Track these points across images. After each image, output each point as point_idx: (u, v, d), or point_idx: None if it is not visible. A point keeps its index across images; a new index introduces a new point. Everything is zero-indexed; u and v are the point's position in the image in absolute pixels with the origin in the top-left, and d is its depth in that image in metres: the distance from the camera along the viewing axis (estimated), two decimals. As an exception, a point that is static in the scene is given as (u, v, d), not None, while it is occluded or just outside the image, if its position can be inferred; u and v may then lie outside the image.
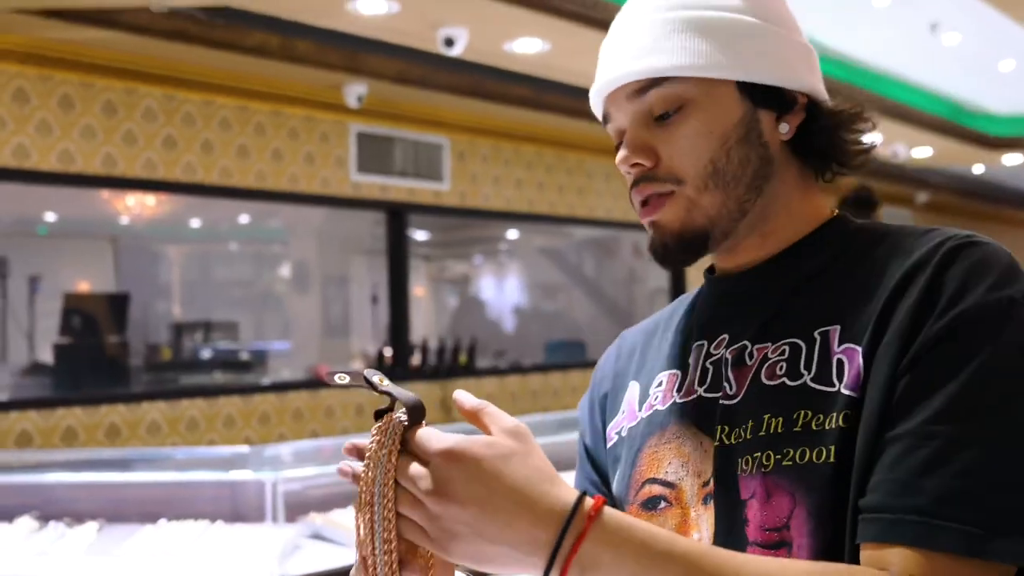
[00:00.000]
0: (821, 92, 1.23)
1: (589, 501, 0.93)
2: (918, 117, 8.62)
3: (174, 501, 3.96)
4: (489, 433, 0.96)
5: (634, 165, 1.19)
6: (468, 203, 7.67)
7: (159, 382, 7.77)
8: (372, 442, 0.97)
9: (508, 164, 7.82)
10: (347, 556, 3.50)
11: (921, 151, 9.85)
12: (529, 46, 5.85)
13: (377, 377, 0.99)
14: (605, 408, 1.37)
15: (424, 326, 9.69)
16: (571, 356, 9.10)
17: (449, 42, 5.39)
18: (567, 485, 0.95)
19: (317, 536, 3.84)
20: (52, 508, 3.94)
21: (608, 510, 0.94)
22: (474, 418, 0.98)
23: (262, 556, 3.49)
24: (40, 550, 3.60)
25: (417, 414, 0.96)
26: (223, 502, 3.96)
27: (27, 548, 3.60)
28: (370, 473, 0.95)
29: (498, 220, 8.73)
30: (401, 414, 0.97)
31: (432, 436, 0.93)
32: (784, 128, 1.20)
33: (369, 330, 8.60)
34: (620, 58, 1.21)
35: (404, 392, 0.98)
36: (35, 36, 5.36)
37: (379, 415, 0.99)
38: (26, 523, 3.82)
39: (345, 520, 3.84)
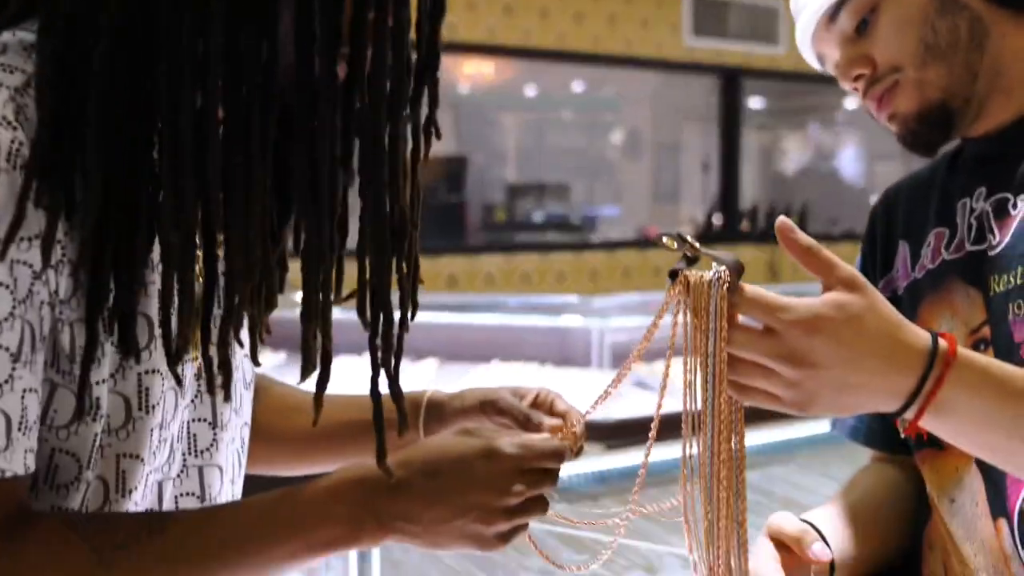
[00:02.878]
0: None
1: (944, 344, 0.95)
2: None
3: (506, 344, 4.15)
4: (821, 275, 0.96)
5: (856, 78, 1.25)
6: (804, 67, 7.45)
7: (495, 241, 8.08)
8: (681, 304, 0.97)
9: (848, 26, 7.51)
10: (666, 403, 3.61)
11: None
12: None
13: (691, 239, 0.99)
14: (876, 264, 1.40)
15: (754, 193, 9.57)
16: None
17: None
18: (913, 327, 0.97)
19: (641, 384, 3.97)
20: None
21: (963, 353, 0.95)
22: (803, 255, 0.97)
23: (589, 397, 3.65)
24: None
25: (739, 275, 0.95)
26: (551, 347, 4.12)
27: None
28: (699, 340, 0.96)
29: (835, 87, 8.44)
30: (718, 273, 0.95)
31: (778, 304, 0.93)
32: None
33: (699, 197, 8.57)
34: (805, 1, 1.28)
35: (724, 254, 0.97)
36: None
37: (673, 275, 0.98)
38: (375, 357, 4.16)
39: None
